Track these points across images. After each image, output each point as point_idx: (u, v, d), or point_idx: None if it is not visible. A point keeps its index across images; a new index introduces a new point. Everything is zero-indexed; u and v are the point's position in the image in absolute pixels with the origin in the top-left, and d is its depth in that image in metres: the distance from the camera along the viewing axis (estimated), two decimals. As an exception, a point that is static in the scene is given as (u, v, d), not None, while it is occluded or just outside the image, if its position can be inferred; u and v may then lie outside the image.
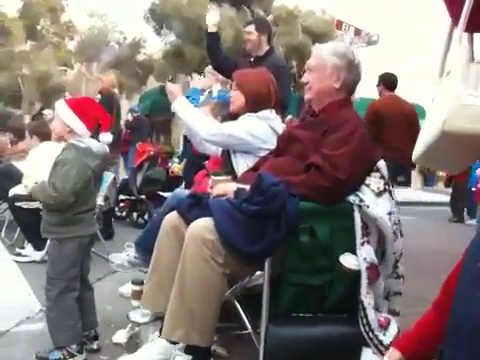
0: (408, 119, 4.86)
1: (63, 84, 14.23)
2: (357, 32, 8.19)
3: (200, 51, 10.74)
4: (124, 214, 6.53)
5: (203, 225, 1.90)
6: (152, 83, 13.37)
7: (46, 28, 17.78)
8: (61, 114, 2.48)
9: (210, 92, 4.73)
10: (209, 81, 4.78)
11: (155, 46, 13.37)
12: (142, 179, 6.14)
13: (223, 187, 2.08)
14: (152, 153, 6.26)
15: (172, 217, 2.18)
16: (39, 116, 13.19)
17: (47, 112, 10.79)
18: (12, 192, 4.58)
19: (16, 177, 4.87)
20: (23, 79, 16.86)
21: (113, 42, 13.79)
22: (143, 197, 6.26)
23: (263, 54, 3.94)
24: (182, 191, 2.82)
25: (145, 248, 2.82)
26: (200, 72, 10.77)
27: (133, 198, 6.27)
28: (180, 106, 2.68)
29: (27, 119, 12.29)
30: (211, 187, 2.14)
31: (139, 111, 9.49)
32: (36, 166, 4.29)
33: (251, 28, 3.93)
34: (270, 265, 1.83)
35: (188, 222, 2.06)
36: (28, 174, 4.16)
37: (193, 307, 1.83)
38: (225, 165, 2.64)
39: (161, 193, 6.45)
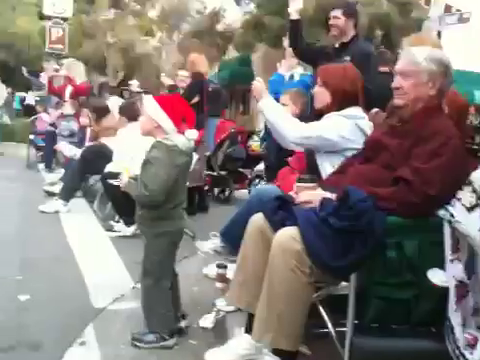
0: (459, 111, 4.93)
1: (145, 53, 14.58)
2: (447, 8, 7.65)
3: (279, 21, 10.59)
4: (206, 188, 6.75)
5: (289, 235, 1.96)
6: (231, 53, 13.45)
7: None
8: (149, 111, 2.56)
9: (292, 76, 4.72)
10: (290, 63, 4.75)
11: (235, 15, 13.32)
12: (223, 157, 6.29)
13: (308, 195, 2.11)
14: (233, 131, 6.37)
15: (257, 218, 2.26)
16: (124, 85, 13.69)
17: (132, 82, 11.17)
18: (106, 169, 4.85)
19: (107, 155, 5.18)
20: (107, 47, 17.44)
21: (193, 11, 13.91)
22: (224, 173, 6.44)
23: (348, 40, 3.86)
24: (267, 188, 2.87)
25: (230, 239, 2.94)
26: (279, 44, 10.65)
27: (215, 174, 6.45)
28: (266, 105, 2.71)
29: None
30: (296, 192, 2.19)
31: (217, 81, 9.56)
32: (126, 149, 4.56)
33: (338, 13, 3.85)
34: (356, 279, 1.88)
35: (273, 225, 2.14)
36: (119, 160, 4.43)
37: (280, 313, 1.93)
38: (309, 164, 2.67)
39: (241, 170, 6.61)
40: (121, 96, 10.54)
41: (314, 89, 2.78)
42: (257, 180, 6.65)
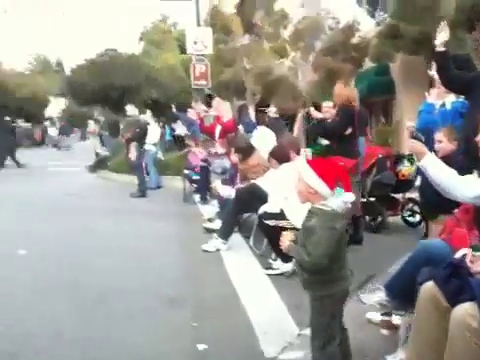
0: None
1: (281, 76, 14.86)
2: None
3: (416, 28, 10.16)
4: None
5: (466, 310, 1.92)
6: (367, 65, 13.15)
7: (261, 20, 18.69)
8: (305, 176, 2.63)
9: (443, 104, 4.53)
10: (439, 91, 4.56)
11: (368, 26, 13.05)
12: (371, 183, 6.20)
13: (487, 266, 2.04)
14: (380, 157, 6.25)
15: (429, 287, 2.23)
16: (261, 106, 14.10)
17: (270, 109, 11.51)
18: (262, 210, 5.02)
19: (260, 194, 5.42)
20: (245, 73, 18.11)
21: (327, 28, 13.87)
22: (373, 200, 6.33)
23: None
24: (434, 245, 2.78)
25: (396, 293, 2.92)
26: (418, 52, 10.21)
27: (364, 200, 6.37)
28: (429, 164, 2.64)
29: (251, 109, 13.27)
30: (471, 261, 2.11)
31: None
32: (280, 189, 4.74)
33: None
34: None
35: (446, 294, 2.10)
36: (274, 200, 4.63)
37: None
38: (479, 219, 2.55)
39: (392, 194, 6.45)
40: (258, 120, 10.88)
41: (477, 137, 2.65)
42: (410, 205, 6.45)
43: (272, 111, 10.80)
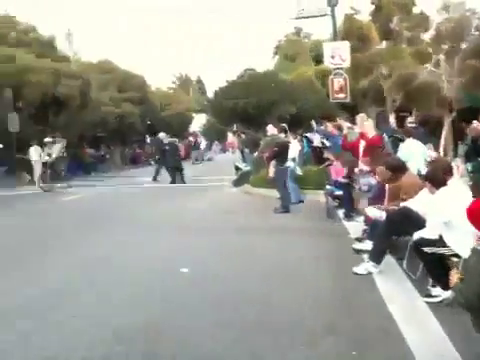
0: None
1: (424, 81, 14.21)
2: None
3: None
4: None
5: None
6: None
7: (399, 25, 18.10)
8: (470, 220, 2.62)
9: None
10: None
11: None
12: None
13: None
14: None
15: None
16: (402, 117, 13.59)
17: (409, 119, 11.07)
18: (417, 235, 4.88)
19: (412, 217, 5.27)
20: (383, 79, 17.65)
21: (473, 29, 12.98)
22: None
23: None
24: None
25: None
26: None
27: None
28: None
29: (391, 117, 12.85)
30: None
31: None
32: (438, 214, 4.59)
33: None
34: None
35: None
36: (432, 226, 4.51)
37: None
38: None
39: None
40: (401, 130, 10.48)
41: None
42: None
43: (408, 120, 10.50)
